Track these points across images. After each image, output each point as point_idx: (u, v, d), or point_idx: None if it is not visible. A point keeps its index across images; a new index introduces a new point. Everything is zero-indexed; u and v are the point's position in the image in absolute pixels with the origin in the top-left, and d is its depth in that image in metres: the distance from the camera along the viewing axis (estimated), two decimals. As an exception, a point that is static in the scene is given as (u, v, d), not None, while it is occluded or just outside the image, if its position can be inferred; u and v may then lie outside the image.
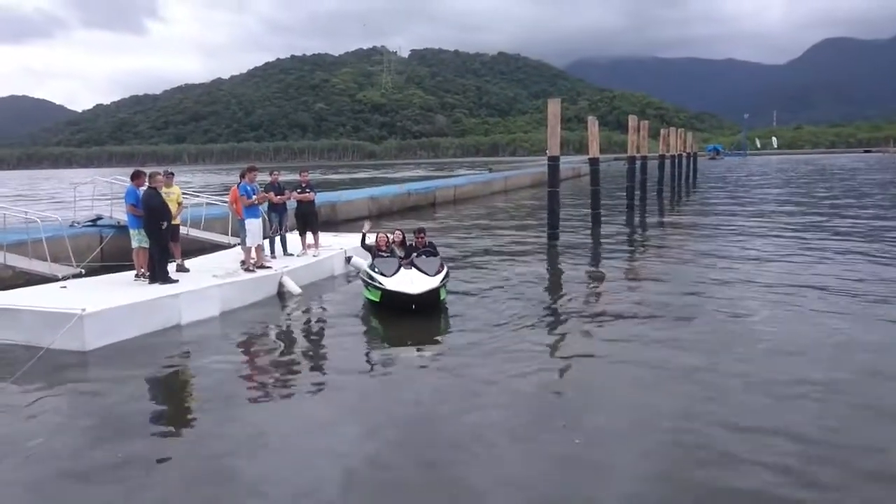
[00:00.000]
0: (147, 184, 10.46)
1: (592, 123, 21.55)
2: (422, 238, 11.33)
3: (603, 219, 20.59)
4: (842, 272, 12.12)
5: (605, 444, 5.40)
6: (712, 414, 5.83)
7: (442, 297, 10.00)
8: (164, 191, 10.89)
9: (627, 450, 5.27)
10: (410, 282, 9.68)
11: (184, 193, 12.95)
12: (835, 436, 5.42)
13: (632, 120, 26.18)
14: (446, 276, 10.26)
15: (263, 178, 13.08)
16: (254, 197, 11.73)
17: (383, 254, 10.95)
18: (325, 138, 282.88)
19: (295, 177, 14.84)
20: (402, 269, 10.14)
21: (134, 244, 10.78)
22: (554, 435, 5.56)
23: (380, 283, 9.75)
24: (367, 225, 12.20)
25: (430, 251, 11.11)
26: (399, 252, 11.11)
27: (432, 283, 9.75)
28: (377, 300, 9.89)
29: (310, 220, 13.46)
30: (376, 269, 10.12)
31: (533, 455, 5.24)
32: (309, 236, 13.45)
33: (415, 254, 10.92)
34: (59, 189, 55.98)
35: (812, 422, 5.69)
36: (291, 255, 13.06)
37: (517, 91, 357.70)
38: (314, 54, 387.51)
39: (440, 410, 6.16)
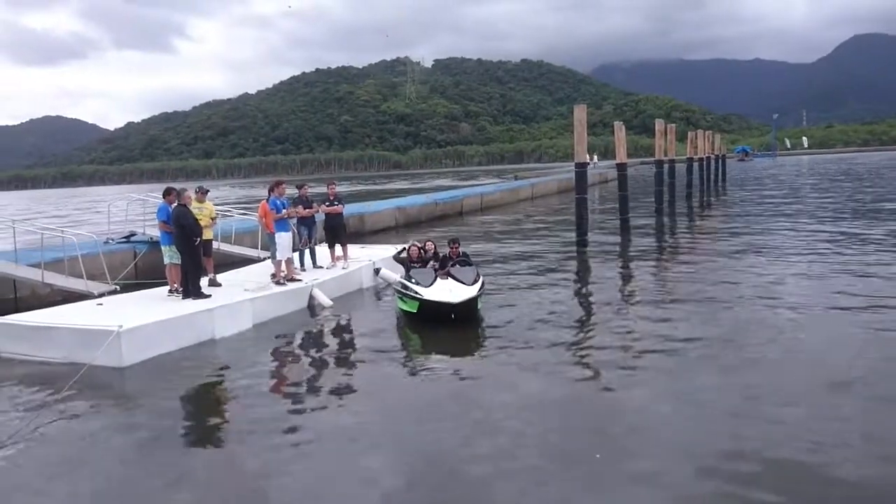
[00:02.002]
0: (177, 201, 10.59)
1: (619, 128, 21.34)
2: (455, 248, 11.30)
3: (632, 224, 20.36)
4: (885, 282, 11.54)
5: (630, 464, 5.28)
6: (756, 451, 5.31)
7: (478, 307, 9.94)
8: (196, 206, 11.03)
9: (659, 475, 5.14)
10: (449, 291, 9.63)
11: (217, 207, 13.11)
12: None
13: (658, 124, 25.95)
14: (482, 285, 10.19)
15: (292, 191, 13.20)
16: (283, 211, 11.84)
17: (416, 265, 10.93)
18: (350, 150, 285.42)
19: (322, 189, 14.95)
20: (438, 279, 10.10)
21: (166, 260, 10.93)
22: (585, 458, 5.44)
23: (417, 294, 9.68)
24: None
25: (465, 261, 11.06)
26: (432, 263, 11.07)
27: (471, 292, 9.69)
28: (414, 311, 9.80)
29: (338, 233, 13.55)
30: (413, 280, 10.06)
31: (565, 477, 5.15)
32: (338, 248, 13.52)
33: (449, 264, 10.88)
34: (94, 205, 57.17)
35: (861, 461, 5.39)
36: (321, 267, 13.12)
37: (541, 97, 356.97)
38: (338, 67, 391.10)
39: (476, 425, 6.05)
